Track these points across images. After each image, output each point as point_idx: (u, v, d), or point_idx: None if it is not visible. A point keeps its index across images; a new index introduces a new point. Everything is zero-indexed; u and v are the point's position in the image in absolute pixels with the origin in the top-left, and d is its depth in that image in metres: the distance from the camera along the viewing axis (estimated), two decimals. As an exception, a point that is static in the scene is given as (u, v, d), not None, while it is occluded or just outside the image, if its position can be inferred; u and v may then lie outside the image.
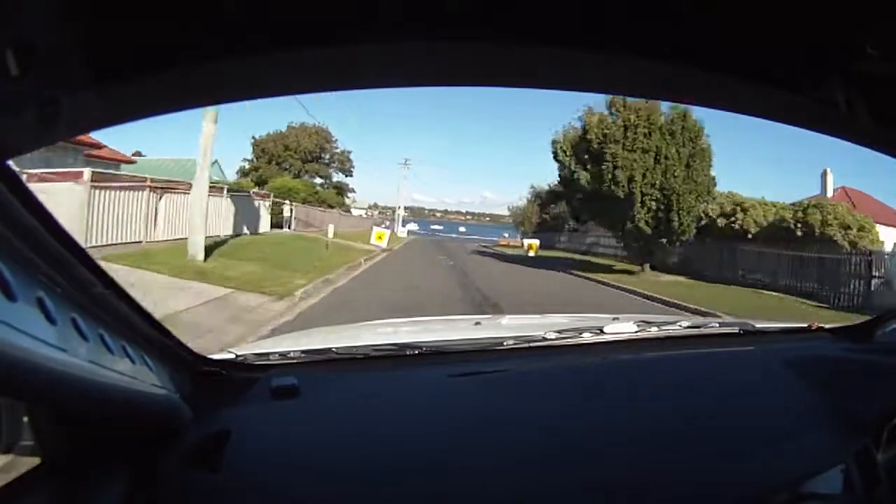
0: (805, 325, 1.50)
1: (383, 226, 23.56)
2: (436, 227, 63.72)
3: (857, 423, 1.03)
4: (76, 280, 0.50)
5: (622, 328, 1.26)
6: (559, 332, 1.21)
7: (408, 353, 1.10)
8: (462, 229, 63.04)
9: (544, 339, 1.18)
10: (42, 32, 0.35)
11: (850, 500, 0.95)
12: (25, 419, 0.66)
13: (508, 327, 1.62)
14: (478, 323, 1.54)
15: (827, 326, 1.43)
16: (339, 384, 0.99)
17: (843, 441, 1.01)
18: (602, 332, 1.24)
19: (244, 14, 0.38)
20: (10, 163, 0.42)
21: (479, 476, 0.79)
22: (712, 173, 14.18)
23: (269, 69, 0.42)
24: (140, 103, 0.43)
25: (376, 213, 53.53)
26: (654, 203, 13.57)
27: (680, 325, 1.35)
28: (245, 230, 15.01)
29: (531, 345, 1.18)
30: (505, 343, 1.17)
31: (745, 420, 1.00)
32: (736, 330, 1.42)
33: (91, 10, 0.35)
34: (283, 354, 1.07)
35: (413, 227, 48.71)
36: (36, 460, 0.65)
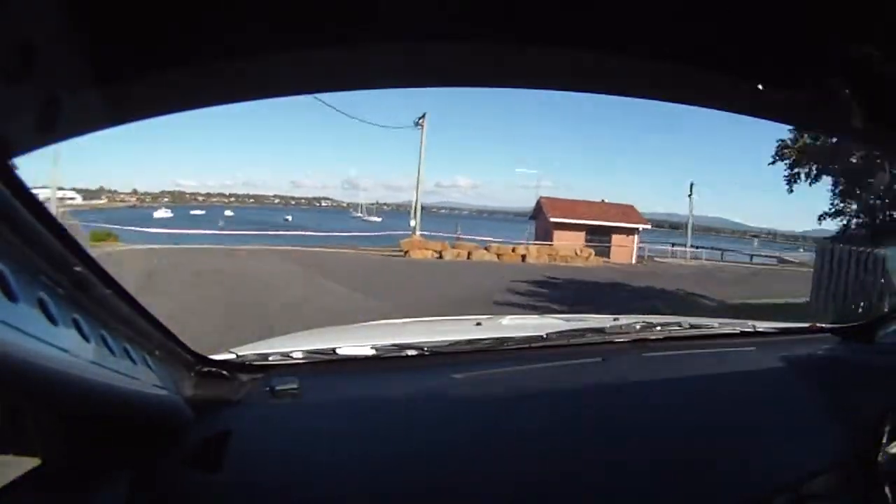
0: (806, 325, 1.49)
1: None
2: (196, 212, 47.23)
3: (857, 423, 1.03)
4: (78, 281, 0.50)
5: (623, 329, 1.25)
6: (560, 332, 1.21)
7: (409, 353, 1.09)
8: (228, 213, 46.28)
9: (545, 339, 1.18)
10: (43, 33, 0.35)
11: (851, 501, 0.95)
12: (26, 419, 0.66)
13: (510, 328, 1.62)
14: (479, 324, 1.52)
15: (828, 326, 1.43)
16: (339, 385, 0.99)
17: (844, 441, 1.01)
18: (603, 332, 1.24)
19: (245, 15, 0.38)
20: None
21: (481, 476, 0.79)
22: None
23: (270, 69, 0.42)
24: (141, 104, 0.43)
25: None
26: None
27: (681, 326, 1.34)
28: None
29: (532, 345, 1.18)
30: (506, 344, 1.17)
31: (746, 420, 1.00)
32: (737, 330, 1.42)
33: (92, 11, 0.35)
34: (284, 355, 1.06)
35: (165, 213, 36.75)
36: (37, 461, 0.65)
